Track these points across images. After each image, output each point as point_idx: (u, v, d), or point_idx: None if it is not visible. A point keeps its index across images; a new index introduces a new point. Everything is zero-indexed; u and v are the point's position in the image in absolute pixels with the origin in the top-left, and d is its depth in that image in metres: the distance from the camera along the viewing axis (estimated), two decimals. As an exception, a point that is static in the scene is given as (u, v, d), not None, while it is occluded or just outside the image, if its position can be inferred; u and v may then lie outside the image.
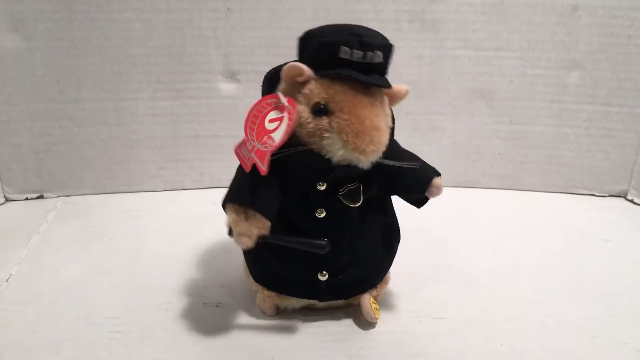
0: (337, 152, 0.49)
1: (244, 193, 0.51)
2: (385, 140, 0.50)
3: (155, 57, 0.78)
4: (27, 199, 0.83)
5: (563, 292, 0.64)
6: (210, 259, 0.70)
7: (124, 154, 0.83)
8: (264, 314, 0.60)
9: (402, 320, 0.59)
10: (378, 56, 0.49)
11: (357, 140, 0.48)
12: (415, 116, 0.84)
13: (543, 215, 0.82)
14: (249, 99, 0.81)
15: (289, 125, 0.49)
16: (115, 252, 0.71)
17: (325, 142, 0.49)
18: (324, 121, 0.49)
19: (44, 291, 0.62)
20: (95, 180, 0.84)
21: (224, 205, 0.52)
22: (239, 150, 0.52)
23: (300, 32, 0.78)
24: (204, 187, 0.87)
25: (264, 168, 0.49)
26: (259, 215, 0.50)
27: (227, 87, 0.81)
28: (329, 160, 0.50)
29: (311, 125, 0.49)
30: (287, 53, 0.79)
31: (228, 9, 0.77)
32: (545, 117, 0.85)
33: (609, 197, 0.88)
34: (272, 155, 0.49)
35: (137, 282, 0.64)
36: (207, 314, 0.60)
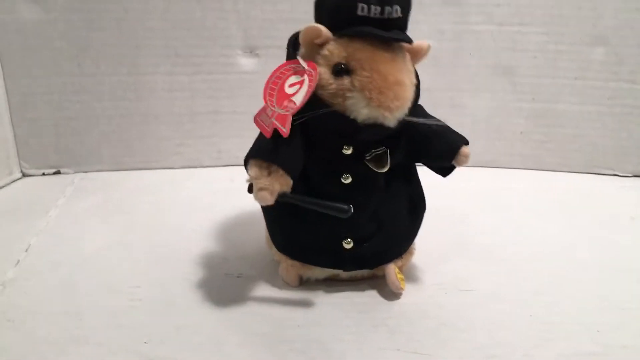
0: (362, 111, 0.48)
1: (267, 149, 0.50)
2: (409, 95, 0.49)
3: (173, 31, 0.78)
4: (44, 174, 0.83)
5: (591, 268, 0.63)
6: (229, 232, 0.69)
7: (142, 130, 0.83)
8: (286, 285, 0.59)
9: (427, 292, 0.58)
10: (396, 11, 0.47)
11: (380, 96, 0.47)
12: (435, 93, 0.83)
13: (566, 194, 0.81)
14: (268, 74, 0.81)
15: (310, 87, 0.48)
16: (134, 225, 0.70)
17: (348, 102, 0.48)
18: (346, 81, 0.48)
19: (64, 261, 0.62)
20: (112, 156, 0.83)
21: (245, 162, 0.51)
22: (259, 118, 0.51)
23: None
24: (222, 165, 0.87)
25: (285, 130, 0.48)
26: (282, 171, 0.49)
27: (246, 62, 0.81)
28: (354, 120, 0.49)
29: (333, 86, 0.48)
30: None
31: (248, -19, 0.76)
32: (569, 95, 0.83)
33: (633, 177, 0.87)
34: (295, 118, 0.48)
35: (157, 254, 0.64)
36: (228, 284, 0.59)
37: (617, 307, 0.56)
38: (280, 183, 0.49)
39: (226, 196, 0.77)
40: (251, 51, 0.80)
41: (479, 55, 0.82)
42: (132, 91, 0.80)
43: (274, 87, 0.50)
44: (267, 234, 0.60)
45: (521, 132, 0.86)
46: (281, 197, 0.49)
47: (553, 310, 0.56)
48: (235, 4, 0.77)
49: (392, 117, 0.48)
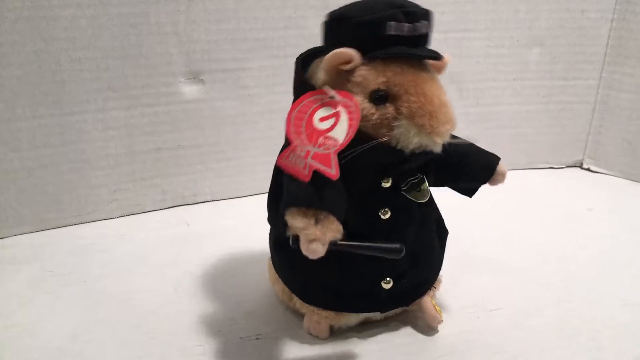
0: (412, 140, 0.43)
1: (308, 194, 0.42)
2: (454, 116, 0.45)
3: (105, 61, 0.66)
4: (-52, 248, 0.67)
5: (590, 266, 0.64)
6: (216, 285, 0.60)
7: (71, 180, 0.69)
8: (315, 338, 0.52)
9: (459, 318, 0.55)
10: (425, 26, 0.44)
11: (432, 122, 0.43)
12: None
13: (516, 193, 0.82)
14: (215, 101, 0.74)
15: (350, 120, 0.42)
16: (99, 297, 0.58)
17: (395, 131, 0.43)
18: (389, 109, 0.43)
19: (33, 360, 0.49)
20: (35, 214, 0.69)
21: (283, 211, 0.43)
22: (287, 160, 0.43)
23: (269, 23, 0.72)
24: (166, 207, 0.76)
25: (333, 172, 0.42)
26: (331, 217, 0.42)
27: (190, 90, 0.71)
28: (400, 151, 0.44)
29: (375, 116, 0.43)
30: (255, 47, 0.73)
31: (189, -1, 0.67)
32: (509, 96, 0.85)
33: (566, 168, 0.92)
34: (340, 157, 0.42)
35: (147, 327, 0.53)
36: (249, 350, 0.51)
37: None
38: (331, 231, 0.42)
39: (187, 244, 0.68)
40: (194, 77, 0.71)
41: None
42: (56, 135, 0.67)
43: (298, 122, 0.43)
44: (282, 286, 0.53)
45: (467, 137, 0.86)
46: (331, 246, 0.43)
47: (583, 316, 0.55)
48: (175, 25, 0.67)
49: (441, 143, 0.45)
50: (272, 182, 0.53)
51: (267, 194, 0.80)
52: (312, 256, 0.42)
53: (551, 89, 0.86)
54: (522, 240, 0.70)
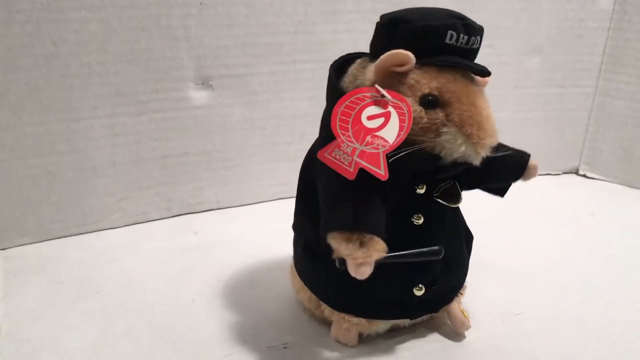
0: (458, 149, 0.43)
1: (349, 215, 0.42)
2: (497, 130, 0.46)
3: (114, 65, 0.64)
4: (-53, 260, 0.64)
5: (600, 269, 0.65)
6: (235, 294, 0.59)
7: (77, 188, 0.67)
8: (343, 346, 0.51)
9: (484, 324, 0.55)
10: (478, 41, 0.45)
11: (480, 132, 0.43)
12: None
13: (518, 199, 0.82)
14: (223, 107, 0.72)
15: (402, 121, 0.42)
16: (117, 309, 0.56)
17: (443, 137, 0.43)
18: (439, 114, 0.43)
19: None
20: (40, 224, 0.67)
21: (325, 234, 0.43)
22: (330, 155, 0.43)
23: (280, 28, 0.71)
24: (172, 216, 0.74)
25: (382, 173, 0.41)
26: (376, 238, 0.43)
27: (199, 96, 0.70)
28: (440, 158, 0.44)
29: (424, 120, 0.43)
30: (264, 52, 0.72)
31: (201, 3, 0.66)
32: (510, 104, 0.86)
33: (562, 175, 0.93)
34: (388, 157, 0.42)
35: (171, 340, 0.52)
36: (278, 358, 0.50)
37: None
38: (377, 251, 0.42)
39: (198, 252, 0.66)
40: (204, 83, 0.69)
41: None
42: (62, 142, 0.64)
43: (346, 118, 0.43)
44: (308, 294, 0.53)
45: None
46: (377, 262, 0.43)
47: (608, 319, 0.56)
48: (186, 30, 0.66)
49: (484, 155, 0.45)
50: (299, 187, 0.52)
51: (274, 202, 0.80)
52: (361, 277, 0.42)
53: (550, 96, 0.87)
54: (530, 246, 0.71)
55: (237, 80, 0.71)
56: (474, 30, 0.43)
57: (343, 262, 0.43)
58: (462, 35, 0.43)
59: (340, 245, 0.42)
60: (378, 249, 0.42)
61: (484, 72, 0.45)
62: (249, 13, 0.68)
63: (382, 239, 0.43)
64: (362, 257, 0.41)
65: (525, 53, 0.84)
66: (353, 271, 0.42)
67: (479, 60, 0.69)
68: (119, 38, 0.63)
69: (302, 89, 0.75)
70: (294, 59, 0.73)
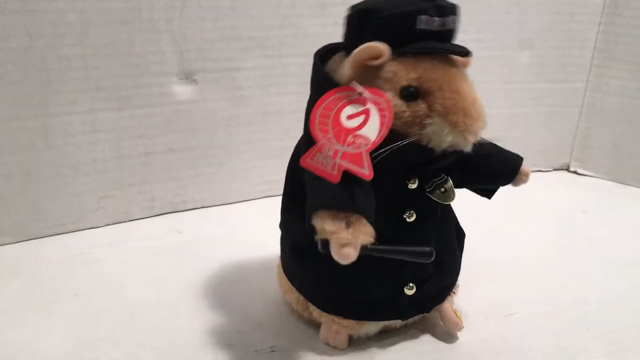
0: (445, 139, 0.42)
1: (338, 195, 0.40)
2: (486, 113, 0.44)
3: (94, 59, 0.62)
4: None
5: (592, 267, 0.64)
6: (220, 296, 0.57)
7: (55, 186, 0.65)
8: (333, 349, 0.49)
9: (476, 324, 0.53)
10: (453, 21, 0.42)
11: (466, 119, 0.41)
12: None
13: (508, 196, 0.82)
14: (208, 102, 0.70)
15: (382, 117, 0.40)
16: (97, 312, 0.54)
17: (428, 129, 0.41)
18: (422, 105, 0.41)
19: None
20: (16, 224, 0.64)
21: (310, 214, 0.40)
22: (313, 161, 0.41)
23: (265, 22, 0.69)
24: (155, 215, 0.72)
25: (367, 172, 0.40)
26: (363, 220, 0.40)
27: (182, 91, 0.68)
28: (431, 150, 0.42)
29: (407, 113, 0.41)
30: (250, 46, 0.70)
31: (185, -6, 0.64)
32: (500, 99, 0.85)
33: (553, 171, 0.92)
34: (372, 156, 0.40)
35: (154, 344, 0.49)
36: (266, 363, 0.48)
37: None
38: (364, 234, 0.40)
39: (183, 253, 0.64)
40: (187, 77, 0.67)
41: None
42: (40, 139, 0.62)
43: (324, 120, 0.41)
44: (296, 295, 0.51)
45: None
46: (362, 250, 0.41)
47: (603, 316, 0.55)
48: (169, 22, 0.64)
49: (474, 141, 0.43)
50: (286, 185, 0.50)
51: (260, 200, 0.78)
52: (344, 261, 0.39)
53: (540, 92, 0.86)
54: (522, 243, 0.69)
55: (222, 74, 0.69)
56: (446, 10, 0.41)
57: (326, 243, 0.40)
58: (434, 18, 0.40)
59: (325, 223, 0.39)
60: (365, 232, 0.40)
61: (463, 52, 0.43)
62: (234, 5, 0.66)
63: (370, 224, 0.41)
64: (347, 238, 0.39)
65: (515, 47, 0.82)
66: (336, 252, 0.39)
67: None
68: (99, 30, 0.61)
69: (289, 84, 0.72)
70: (280, 52, 0.71)
